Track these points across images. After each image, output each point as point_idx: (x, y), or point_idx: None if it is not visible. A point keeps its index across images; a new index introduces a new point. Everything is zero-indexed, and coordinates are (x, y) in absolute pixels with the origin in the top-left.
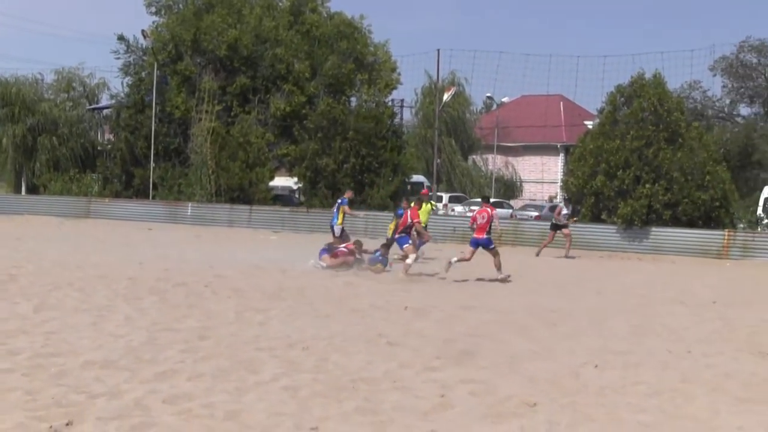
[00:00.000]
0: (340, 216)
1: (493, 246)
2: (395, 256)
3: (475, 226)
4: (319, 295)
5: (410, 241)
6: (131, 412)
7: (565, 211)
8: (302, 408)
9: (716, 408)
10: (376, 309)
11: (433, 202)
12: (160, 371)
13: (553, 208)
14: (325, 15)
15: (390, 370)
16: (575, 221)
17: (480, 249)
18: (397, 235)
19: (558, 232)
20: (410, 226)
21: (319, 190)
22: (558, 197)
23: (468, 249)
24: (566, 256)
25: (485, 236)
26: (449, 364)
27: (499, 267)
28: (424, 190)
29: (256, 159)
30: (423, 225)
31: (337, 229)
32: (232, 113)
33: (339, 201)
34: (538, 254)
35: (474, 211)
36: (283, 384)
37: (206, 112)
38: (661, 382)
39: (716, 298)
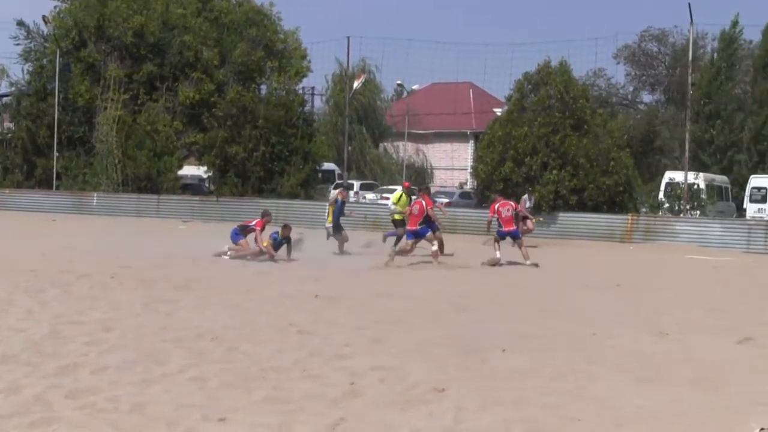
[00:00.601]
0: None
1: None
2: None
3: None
4: (229, 285)
5: (432, 230)
6: (31, 407)
7: (528, 204)
8: (210, 399)
9: (618, 388)
10: (287, 298)
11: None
12: (62, 365)
13: (463, 195)
14: (234, 2)
15: (300, 359)
16: (540, 221)
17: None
18: (418, 227)
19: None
20: (427, 215)
21: (229, 179)
22: (468, 184)
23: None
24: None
25: (514, 228)
26: (359, 351)
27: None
28: (406, 183)
29: (163, 148)
30: (400, 218)
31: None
32: (139, 101)
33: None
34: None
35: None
36: (190, 375)
37: (112, 100)
38: (566, 365)
39: (620, 281)
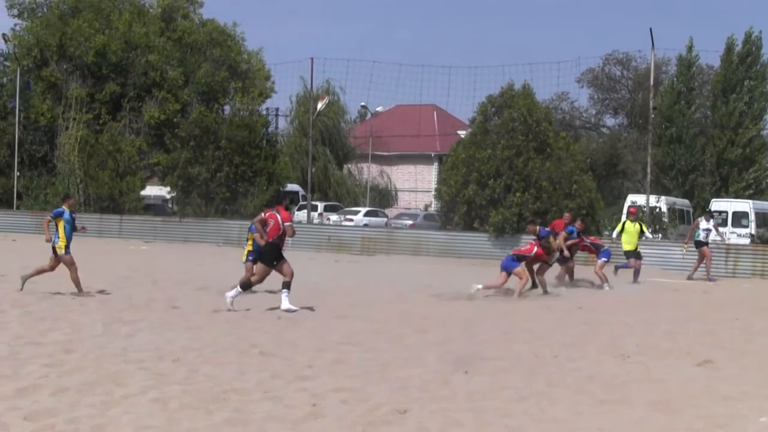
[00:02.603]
0: None
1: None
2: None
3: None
4: (191, 306)
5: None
6: None
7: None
8: (170, 421)
9: (579, 410)
10: (249, 319)
11: (642, 222)
12: (21, 387)
13: (427, 217)
14: (198, 22)
15: (262, 381)
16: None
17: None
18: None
19: None
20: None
21: (192, 199)
22: (432, 206)
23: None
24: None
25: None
26: (321, 373)
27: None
28: (633, 209)
29: (126, 168)
30: (633, 248)
31: None
32: (101, 121)
33: None
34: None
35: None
36: (151, 396)
37: (74, 119)
38: (527, 387)
39: (582, 304)
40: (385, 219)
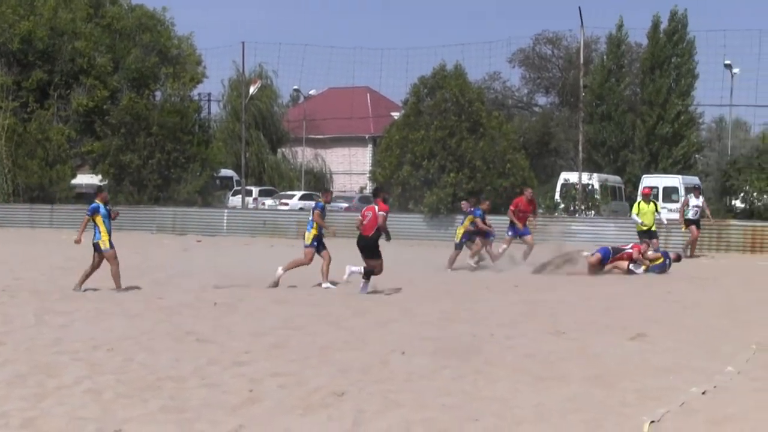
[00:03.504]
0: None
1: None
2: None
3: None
4: (128, 295)
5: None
6: None
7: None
8: (105, 411)
9: (516, 388)
10: (186, 306)
11: (656, 202)
12: None
13: (363, 199)
14: (126, 7)
15: (198, 367)
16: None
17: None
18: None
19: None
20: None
21: (125, 187)
22: (367, 188)
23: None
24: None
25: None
26: (258, 358)
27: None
28: (646, 189)
29: (56, 156)
30: (648, 227)
31: None
32: (29, 109)
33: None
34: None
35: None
36: (85, 387)
37: (0, 108)
38: (465, 366)
39: (518, 282)
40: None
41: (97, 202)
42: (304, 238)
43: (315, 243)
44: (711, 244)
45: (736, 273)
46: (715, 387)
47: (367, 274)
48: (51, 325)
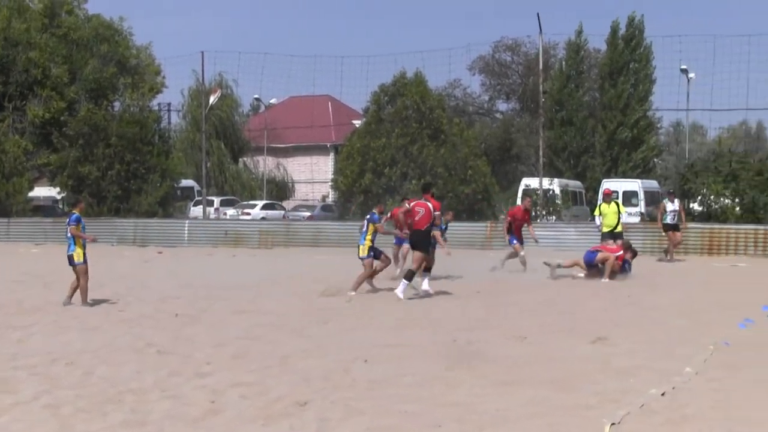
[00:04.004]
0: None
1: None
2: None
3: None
4: (88, 308)
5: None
6: None
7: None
8: (64, 426)
9: (477, 392)
10: (146, 318)
11: (618, 202)
12: None
13: (325, 208)
14: (83, 17)
15: (159, 379)
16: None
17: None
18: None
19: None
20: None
21: (84, 199)
22: (330, 197)
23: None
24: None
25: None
26: (220, 369)
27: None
28: (607, 190)
29: (12, 169)
30: (611, 228)
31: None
32: None
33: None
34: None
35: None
36: (43, 402)
37: None
38: (427, 372)
39: (480, 288)
40: (283, 211)
41: (76, 213)
42: (358, 253)
43: (372, 254)
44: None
45: (694, 275)
46: (673, 388)
47: (410, 276)
48: (8, 339)
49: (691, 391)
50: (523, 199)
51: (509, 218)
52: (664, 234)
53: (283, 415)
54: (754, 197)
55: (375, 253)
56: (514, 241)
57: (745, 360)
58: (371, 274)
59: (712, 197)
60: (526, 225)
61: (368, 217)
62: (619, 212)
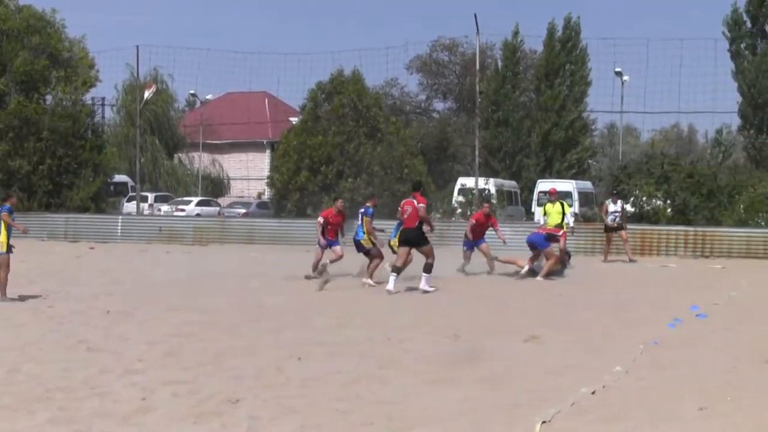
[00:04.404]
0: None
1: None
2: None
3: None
4: (13, 304)
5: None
6: None
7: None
8: None
9: (410, 391)
10: (77, 314)
11: (563, 202)
12: None
13: (261, 205)
14: (13, 8)
15: (89, 377)
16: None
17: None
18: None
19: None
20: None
21: (14, 194)
22: (265, 194)
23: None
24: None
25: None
26: (152, 366)
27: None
28: (553, 189)
29: None
30: (554, 225)
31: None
32: None
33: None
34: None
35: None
36: None
37: None
38: (360, 370)
39: (415, 286)
40: (218, 208)
41: (8, 205)
42: (360, 246)
43: (373, 245)
44: (602, 247)
45: (625, 275)
46: (603, 387)
47: (428, 268)
48: None
49: (620, 389)
50: (480, 205)
51: (473, 222)
52: (603, 234)
53: (215, 414)
54: (685, 199)
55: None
56: (467, 247)
57: (673, 359)
58: (378, 264)
59: (644, 198)
60: (492, 228)
61: (362, 210)
62: (563, 212)
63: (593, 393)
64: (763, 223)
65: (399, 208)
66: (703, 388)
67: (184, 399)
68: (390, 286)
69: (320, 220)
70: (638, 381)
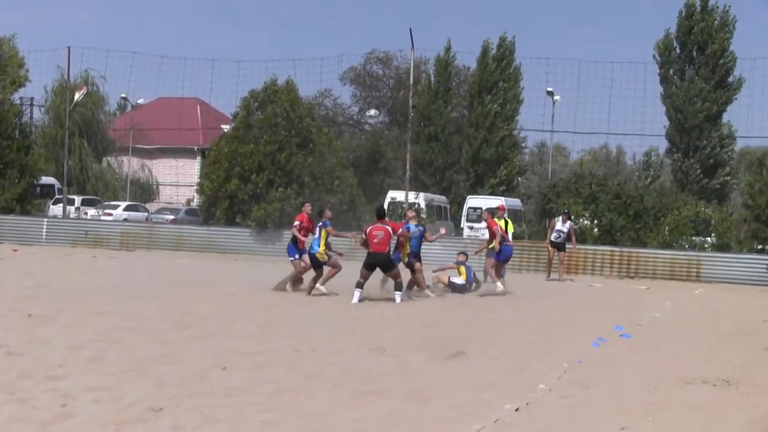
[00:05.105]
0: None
1: None
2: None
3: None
4: None
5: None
6: None
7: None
8: None
9: (335, 403)
10: None
11: (507, 219)
12: None
13: (189, 212)
14: None
15: (7, 381)
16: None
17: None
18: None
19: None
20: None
21: None
22: (195, 201)
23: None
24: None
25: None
26: (74, 372)
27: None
28: (502, 206)
29: None
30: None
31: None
32: None
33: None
34: None
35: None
36: None
37: None
38: (285, 381)
39: (341, 299)
40: (146, 213)
41: None
42: (314, 260)
43: (329, 256)
44: (530, 265)
45: (552, 293)
46: (527, 404)
47: (399, 287)
48: None
49: (544, 407)
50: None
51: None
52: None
53: (138, 421)
54: (611, 219)
55: (302, 255)
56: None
57: (596, 377)
58: (334, 272)
59: (572, 218)
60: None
61: (321, 224)
62: (506, 229)
63: (517, 410)
64: (687, 246)
65: (363, 234)
66: (625, 407)
67: (106, 406)
68: (355, 299)
69: (296, 224)
70: (562, 399)
